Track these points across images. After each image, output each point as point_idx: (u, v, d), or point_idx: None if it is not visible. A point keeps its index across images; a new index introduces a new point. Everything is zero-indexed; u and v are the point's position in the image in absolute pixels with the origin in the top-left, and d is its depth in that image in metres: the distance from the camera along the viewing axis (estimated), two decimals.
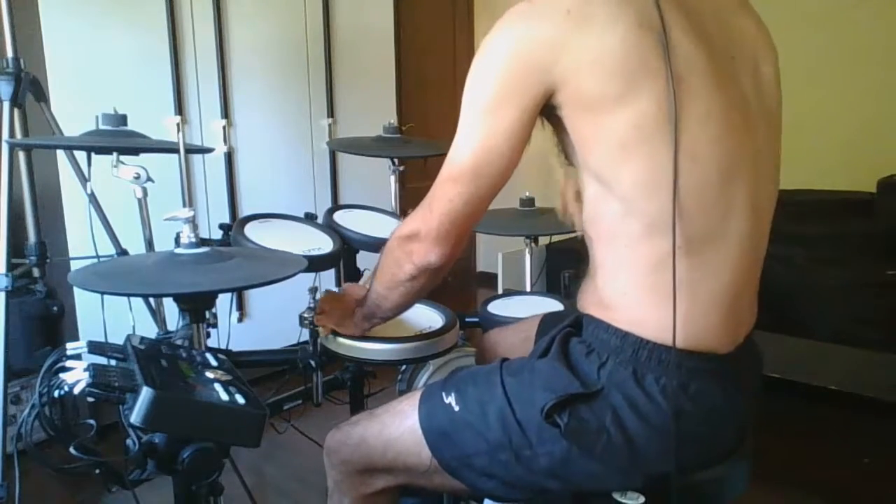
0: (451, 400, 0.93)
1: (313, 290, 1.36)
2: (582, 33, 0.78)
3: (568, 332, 0.92)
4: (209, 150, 2.44)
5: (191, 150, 2.15)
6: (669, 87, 0.77)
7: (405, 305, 1.08)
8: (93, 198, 1.87)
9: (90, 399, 0.81)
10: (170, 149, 1.64)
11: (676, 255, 0.80)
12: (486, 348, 1.34)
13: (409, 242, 0.94)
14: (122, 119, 1.52)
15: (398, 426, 0.96)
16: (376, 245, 1.65)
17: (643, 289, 0.84)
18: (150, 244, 1.78)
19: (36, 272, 1.89)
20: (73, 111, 2.05)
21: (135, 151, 1.45)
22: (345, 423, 1.06)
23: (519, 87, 0.82)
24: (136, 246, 1.89)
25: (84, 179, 1.75)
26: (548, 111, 0.85)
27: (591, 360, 0.86)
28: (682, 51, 0.78)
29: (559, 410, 0.83)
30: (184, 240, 1.09)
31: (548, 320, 1.20)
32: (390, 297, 1.05)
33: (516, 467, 0.88)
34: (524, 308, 1.53)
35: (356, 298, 1.20)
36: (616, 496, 0.89)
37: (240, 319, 2.73)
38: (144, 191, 1.53)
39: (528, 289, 1.97)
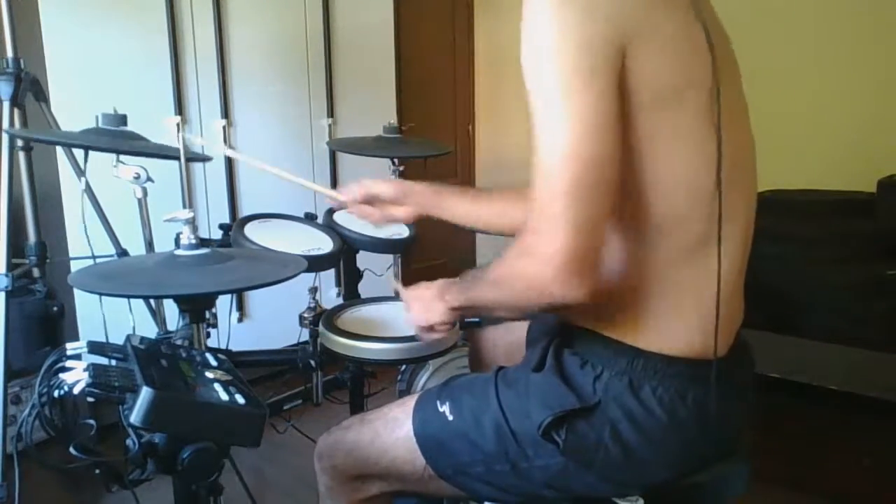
0: (445, 409, 0.92)
1: (313, 290, 1.36)
2: (648, 13, 0.72)
3: (559, 342, 0.89)
4: (208, 159, 2.31)
5: (191, 158, 2.09)
6: (714, 86, 0.74)
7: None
8: (89, 192, 1.84)
9: (90, 399, 0.81)
10: (169, 155, 1.62)
11: (674, 261, 0.78)
12: (480, 347, 1.33)
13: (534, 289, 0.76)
14: (122, 119, 1.52)
15: (392, 434, 0.95)
16: (376, 245, 1.66)
17: (629, 296, 0.82)
18: (150, 244, 1.78)
19: (36, 272, 1.89)
20: (73, 111, 2.04)
21: (134, 155, 1.45)
22: (336, 427, 1.04)
23: (600, 55, 0.70)
24: (136, 246, 1.89)
25: (80, 173, 1.73)
26: None
27: (585, 372, 0.84)
28: (718, 51, 0.76)
29: (556, 427, 0.82)
30: (184, 241, 1.09)
31: (536, 323, 1.15)
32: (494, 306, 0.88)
33: (512, 477, 0.87)
34: None
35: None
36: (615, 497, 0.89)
37: (240, 319, 2.73)
38: (144, 191, 1.53)
39: None
